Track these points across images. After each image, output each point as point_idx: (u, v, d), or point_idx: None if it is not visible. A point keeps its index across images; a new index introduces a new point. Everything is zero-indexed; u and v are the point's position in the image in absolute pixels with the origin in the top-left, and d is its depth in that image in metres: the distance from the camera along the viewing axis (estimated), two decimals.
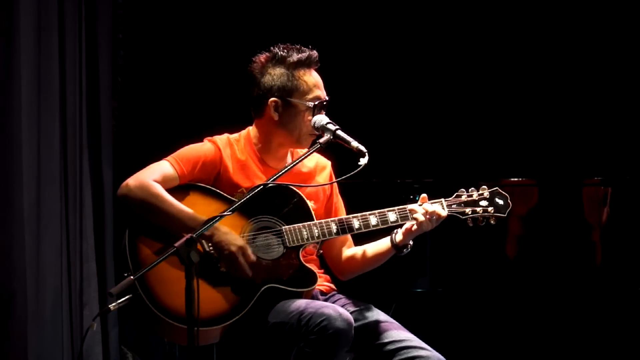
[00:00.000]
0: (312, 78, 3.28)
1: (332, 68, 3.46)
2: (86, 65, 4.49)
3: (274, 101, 3.27)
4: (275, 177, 3.08)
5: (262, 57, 3.31)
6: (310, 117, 3.24)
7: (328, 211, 3.39)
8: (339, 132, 3.17)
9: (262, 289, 3.15)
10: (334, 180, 3.40)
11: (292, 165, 3.13)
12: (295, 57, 3.27)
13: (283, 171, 3.10)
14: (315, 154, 3.35)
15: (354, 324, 3.04)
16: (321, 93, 3.28)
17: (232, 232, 3.14)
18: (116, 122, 4.74)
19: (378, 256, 3.32)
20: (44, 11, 4.28)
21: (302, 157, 3.18)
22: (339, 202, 3.46)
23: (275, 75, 3.27)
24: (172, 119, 5.09)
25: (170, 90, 5.16)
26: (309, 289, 3.18)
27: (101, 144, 4.60)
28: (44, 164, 4.28)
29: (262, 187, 3.04)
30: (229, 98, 3.40)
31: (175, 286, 3.07)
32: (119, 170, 4.63)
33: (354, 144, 3.13)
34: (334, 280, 3.45)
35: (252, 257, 3.13)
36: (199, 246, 2.92)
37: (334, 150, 3.37)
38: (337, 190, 3.46)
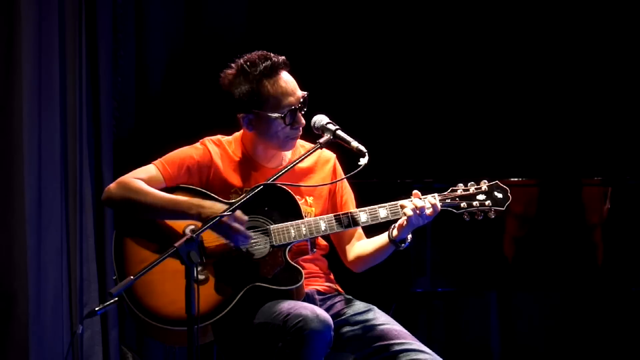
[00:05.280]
0: (279, 87, 3.18)
1: (332, 68, 3.45)
2: (86, 65, 4.49)
3: (245, 117, 3.23)
4: (275, 177, 3.08)
5: (229, 72, 3.23)
6: (285, 124, 3.19)
7: (334, 207, 3.35)
8: (339, 132, 3.17)
9: (245, 288, 3.13)
10: (338, 174, 3.36)
11: (291, 166, 3.13)
12: (259, 69, 3.18)
13: (283, 171, 3.10)
14: None
15: (332, 326, 3.00)
16: (292, 98, 3.19)
17: (216, 203, 3.10)
18: (116, 122, 4.74)
19: (380, 250, 3.30)
20: (44, 11, 4.28)
21: (302, 158, 3.17)
22: (347, 197, 3.39)
23: (243, 91, 3.20)
24: (172, 119, 5.09)
25: (170, 90, 5.16)
26: (292, 287, 3.14)
27: (101, 144, 4.60)
28: (44, 164, 4.29)
29: (261, 187, 3.04)
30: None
31: (159, 287, 3.09)
32: (119, 170, 4.61)
33: (354, 144, 3.13)
34: (341, 280, 3.42)
35: (244, 217, 3.08)
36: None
37: (334, 151, 3.37)
38: (346, 185, 3.40)
